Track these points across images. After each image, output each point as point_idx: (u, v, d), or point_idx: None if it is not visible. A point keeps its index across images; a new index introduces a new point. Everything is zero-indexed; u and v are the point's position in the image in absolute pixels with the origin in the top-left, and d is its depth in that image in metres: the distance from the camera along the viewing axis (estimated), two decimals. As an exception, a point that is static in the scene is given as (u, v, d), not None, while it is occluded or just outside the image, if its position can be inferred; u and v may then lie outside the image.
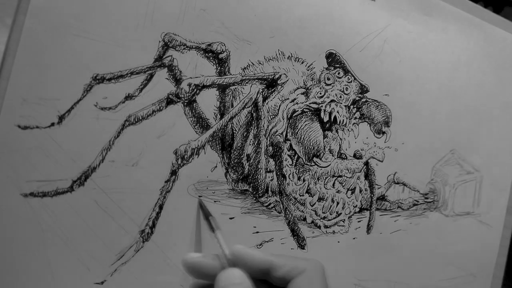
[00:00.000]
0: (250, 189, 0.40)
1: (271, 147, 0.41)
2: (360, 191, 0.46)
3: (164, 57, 0.37)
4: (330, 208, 0.44)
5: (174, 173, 0.37)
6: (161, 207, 0.37)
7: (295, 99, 0.42)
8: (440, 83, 0.50)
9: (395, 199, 0.48)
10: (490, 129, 0.54)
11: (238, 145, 0.40)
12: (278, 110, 0.42)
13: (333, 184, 0.44)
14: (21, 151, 0.32)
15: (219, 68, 0.39)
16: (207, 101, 0.38)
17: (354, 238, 0.46)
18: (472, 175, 0.54)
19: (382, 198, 0.47)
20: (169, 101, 0.37)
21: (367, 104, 0.46)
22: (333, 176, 0.45)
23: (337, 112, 0.44)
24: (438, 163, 0.51)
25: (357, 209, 0.46)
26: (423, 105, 0.49)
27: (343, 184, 0.45)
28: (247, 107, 0.40)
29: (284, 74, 0.42)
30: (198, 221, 0.38)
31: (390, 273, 0.48)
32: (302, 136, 0.43)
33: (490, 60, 0.53)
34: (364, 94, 0.46)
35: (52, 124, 0.33)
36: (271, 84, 0.41)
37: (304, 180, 0.43)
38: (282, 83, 0.42)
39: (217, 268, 0.33)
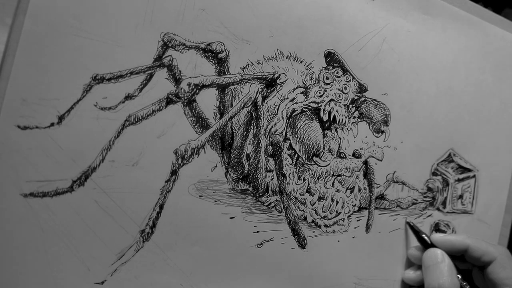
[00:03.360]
0: (250, 189, 0.41)
1: (270, 146, 0.41)
2: (359, 190, 0.46)
3: (163, 57, 0.37)
4: (330, 207, 0.44)
5: (174, 172, 0.37)
6: (161, 207, 0.37)
7: (294, 98, 0.42)
8: (439, 82, 0.50)
9: (394, 198, 0.48)
10: (489, 128, 0.54)
11: (238, 144, 0.40)
12: (278, 109, 0.42)
13: (333, 183, 0.45)
14: (21, 151, 0.32)
15: (218, 67, 0.39)
16: (207, 101, 0.38)
17: (353, 237, 0.46)
18: (470, 173, 0.54)
19: (381, 197, 0.47)
20: (169, 101, 0.37)
21: (366, 103, 0.46)
22: (333, 175, 0.45)
23: (336, 111, 0.44)
24: (437, 161, 0.51)
25: (356, 208, 0.46)
26: (422, 104, 0.49)
27: (342, 183, 0.45)
28: (247, 107, 0.40)
29: (283, 73, 0.42)
30: None
31: (389, 271, 0.48)
32: (302, 136, 0.43)
33: (489, 59, 0.54)
34: (363, 93, 0.46)
35: (52, 124, 0.33)
36: (270, 83, 0.41)
37: (304, 180, 0.43)
38: (281, 83, 0.42)
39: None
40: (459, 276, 0.43)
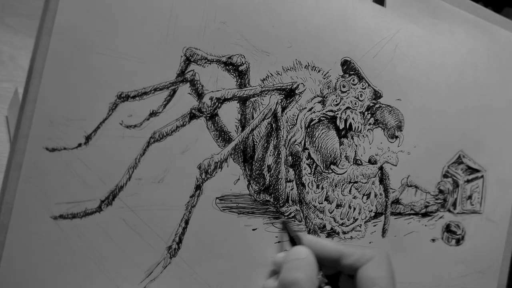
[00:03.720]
0: (272, 200, 0.41)
1: (290, 156, 0.42)
2: (375, 196, 0.47)
3: (186, 72, 0.36)
4: (347, 214, 0.45)
5: (198, 187, 0.37)
6: (187, 222, 0.37)
7: (312, 108, 0.43)
8: (448, 85, 0.51)
9: (408, 202, 0.49)
10: (496, 128, 0.55)
11: (259, 156, 0.40)
12: (297, 119, 0.42)
13: (350, 190, 0.45)
14: (49, 174, 0.32)
15: (239, 80, 0.39)
16: (229, 114, 0.38)
17: (370, 242, 0.46)
18: (479, 174, 0.55)
19: (397, 201, 0.48)
20: (192, 116, 0.37)
21: (381, 109, 0.46)
22: (350, 182, 0.45)
23: (352, 119, 0.45)
24: (447, 164, 0.52)
25: (373, 214, 0.47)
26: (433, 108, 0.50)
27: (359, 190, 0.46)
28: (267, 118, 0.40)
29: (302, 83, 0.42)
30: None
31: (404, 274, 0.49)
32: (320, 144, 0.43)
33: (495, 60, 0.54)
34: (378, 100, 0.46)
35: (80, 145, 0.33)
36: (289, 94, 0.41)
37: (322, 188, 0.43)
38: (300, 93, 0.42)
39: None
40: (321, 275, 0.37)
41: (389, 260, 0.39)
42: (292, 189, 0.42)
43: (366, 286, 0.37)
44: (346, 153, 0.45)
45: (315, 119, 0.43)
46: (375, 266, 0.37)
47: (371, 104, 0.46)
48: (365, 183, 0.46)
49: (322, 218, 0.43)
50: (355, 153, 0.45)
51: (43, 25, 0.31)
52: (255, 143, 0.40)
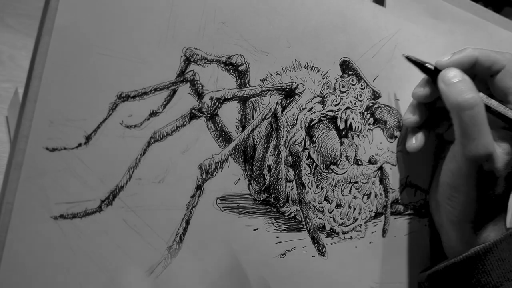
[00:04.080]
0: (272, 200, 0.41)
1: (290, 157, 0.42)
2: (375, 196, 0.47)
3: (186, 72, 0.36)
4: (347, 214, 0.45)
5: (199, 187, 0.37)
6: (187, 222, 0.37)
7: (312, 108, 0.43)
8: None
9: (408, 201, 0.49)
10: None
11: (260, 156, 0.40)
12: (296, 119, 0.42)
13: (350, 190, 0.45)
14: (49, 174, 0.32)
15: (239, 80, 0.39)
16: (229, 114, 0.38)
17: (370, 243, 0.46)
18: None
19: (396, 201, 0.48)
20: (192, 116, 0.37)
21: (380, 109, 0.46)
22: (350, 182, 0.45)
23: (353, 119, 0.45)
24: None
25: (373, 214, 0.47)
26: (432, 108, 0.50)
27: (359, 190, 0.46)
28: (267, 118, 0.40)
29: (301, 83, 0.42)
30: None
31: (405, 274, 0.49)
32: (320, 144, 0.43)
33: (494, 60, 0.54)
34: (377, 100, 0.46)
35: (80, 145, 0.33)
36: (289, 94, 0.41)
37: (322, 188, 0.43)
38: (300, 93, 0.42)
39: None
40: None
41: None
42: (292, 189, 0.42)
43: (504, 97, 0.42)
44: (346, 153, 0.45)
45: (315, 119, 0.43)
46: (508, 76, 0.41)
47: (370, 104, 0.46)
48: (365, 183, 0.46)
49: (321, 218, 0.43)
50: (355, 153, 0.45)
51: (43, 25, 0.31)
52: (256, 143, 0.40)
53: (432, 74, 0.43)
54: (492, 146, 0.39)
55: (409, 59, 0.44)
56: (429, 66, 0.43)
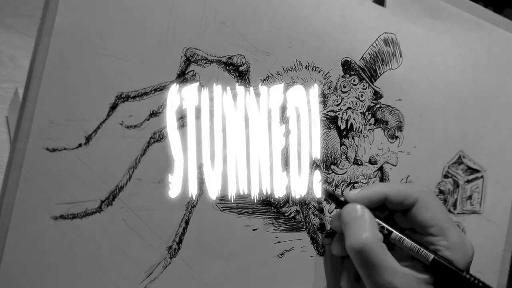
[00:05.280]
0: (272, 200, 0.41)
1: (290, 157, 0.42)
2: (376, 196, 0.46)
3: (186, 72, 0.36)
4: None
5: (199, 187, 0.37)
6: (187, 223, 0.37)
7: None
8: (448, 85, 0.51)
9: (409, 202, 0.49)
10: (495, 128, 0.55)
11: (260, 156, 0.40)
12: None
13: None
14: (50, 174, 0.32)
15: (239, 80, 0.39)
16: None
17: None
18: (478, 174, 0.55)
19: (397, 202, 0.48)
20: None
21: (381, 109, 0.46)
22: (350, 182, 0.45)
23: (353, 119, 0.45)
24: (447, 164, 0.52)
25: (373, 214, 0.46)
26: (433, 108, 0.50)
27: (359, 190, 0.45)
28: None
29: (302, 84, 0.42)
30: None
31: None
32: (320, 145, 0.43)
33: (495, 61, 0.54)
34: (378, 100, 0.46)
35: (80, 145, 0.33)
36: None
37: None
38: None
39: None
40: (383, 225, 0.39)
41: (434, 195, 0.42)
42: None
43: (422, 230, 0.40)
44: (346, 154, 0.45)
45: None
46: (422, 209, 0.39)
47: (372, 104, 0.46)
48: (365, 183, 0.46)
49: (321, 218, 0.43)
50: (356, 153, 0.45)
51: (43, 25, 0.31)
52: (255, 143, 0.40)
53: (342, 205, 0.41)
54: (399, 284, 0.37)
55: (327, 193, 0.43)
56: (340, 199, 0.41)
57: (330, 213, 0.44)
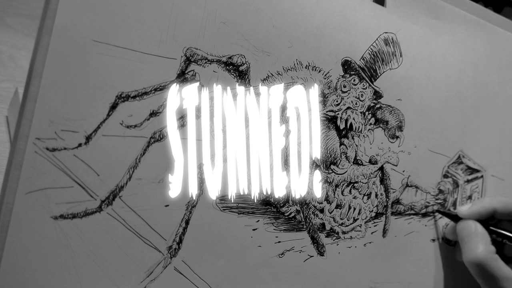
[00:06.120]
0: (272, 200, 0.41)
1: (290, 156, 0.42)
2: (376, 196, 0.47)
3: (186, 72, 0.36)
4: (347, 214, 0.45)
5: (199, 187, 0.37)
6: (187, 222, 0.37)
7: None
8: (448, 85, 0.51)
9: (409, 202, 0.49)
10: (495, 128, 0.55)
11: (260, 156, 0.40)
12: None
13: (350, 191, 0.45)
14: (50, 174, 0.32)
15: (239, 80, 0.39)
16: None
17: (370, 242, 0.46)
18: (478, 174, 0.55)
19: (397, 201, 0.48)
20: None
21: (382, 109, 0.46)
22: (350, 182, 0.45)
23: (353, 119, 0.45)
24: (447, 164, 0.52)
25: (373, 214, 0.47)
26: (433, 108, 0.50)
27: (359, 190, 0.46)
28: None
29: (302, 84, 0.42)
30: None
31: (404, 274, 0.49)
32: (320, 144, 0.43)
33: (494, 60, 0.54)
34: (378, 100, 0.46)
35: (80, 145, 0.33)
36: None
37: (322, 188, 0.43)
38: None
39: None
40: (496, 236, 0.45)
41: None
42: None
43: None
44: (346, 153, 0.45)
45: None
46: None
47: (372, 104, 0.46)
48: (365, 183, 0.46)
49: (321, 218, 0.43)
50: (356, 153, 0.45)
51: (43, 25, 0.31)
52: (256, 143, 0.40)
53: (456, 220, 0.48)
54: None
55: (440, 212, 0.50)
56: (454, 214, 0.48)
57: (331, 212, 0.44)
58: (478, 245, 0.43)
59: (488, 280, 0.42)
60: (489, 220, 0.47)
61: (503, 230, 0.46)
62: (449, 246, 0.51)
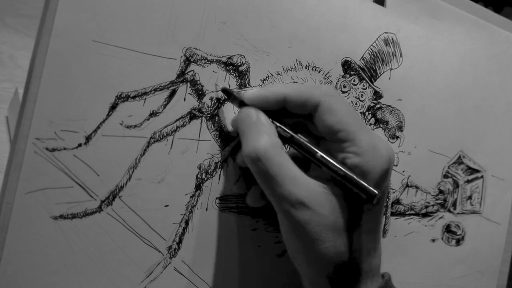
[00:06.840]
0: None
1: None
2: (376, 196, 0.46)
3: (186, 72, 0.36)
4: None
5: (198, 187, 0.37)
6: (187, 223, 0.37)
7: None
8: (448, 85, 0.51)
9: (409, 202, 0.49)
10: (495, 128, 0.55)
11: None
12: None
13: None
14: (49, 174, 0.32)
15: (239, 80, 0.39)
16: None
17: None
18: (478, 174, 0.55)
19: (397, 202, 0.48)
20: (192, 116, 0.37)
21: (382, 109, 0.46)
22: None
23: (353, 119, 0.44)
24: (447, 164, 0.52)
25: (373, 214, 0.46)
26: (433, 108, 0.50)
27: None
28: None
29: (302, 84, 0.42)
30: None
31: (404, 274, 0.49)
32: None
33: (494, 60, 0.54)
34: (379, 100, 0.46)
35: (80, 145, 0.33)
36: None
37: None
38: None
39: None
40: (283, 128, 0.35)
41: (339, 97, 0.36)
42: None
43: (330, 137, 0.35)
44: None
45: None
46: (326, 112, 0.34)
47: (372, 104, 0.46)
48: (365, 183, 0.46)
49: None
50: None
51: (43, 25, 0.31)
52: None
53: (241, 105, 0.36)
54: (301, 194, 0.33)
55: (225, 90, 0.37)
56: (238, 97, 0.36)
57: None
58: (259, 136, 0.33)
59: (270, 180, 0.33)
60: (290, 119, 0.37)
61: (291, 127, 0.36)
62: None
